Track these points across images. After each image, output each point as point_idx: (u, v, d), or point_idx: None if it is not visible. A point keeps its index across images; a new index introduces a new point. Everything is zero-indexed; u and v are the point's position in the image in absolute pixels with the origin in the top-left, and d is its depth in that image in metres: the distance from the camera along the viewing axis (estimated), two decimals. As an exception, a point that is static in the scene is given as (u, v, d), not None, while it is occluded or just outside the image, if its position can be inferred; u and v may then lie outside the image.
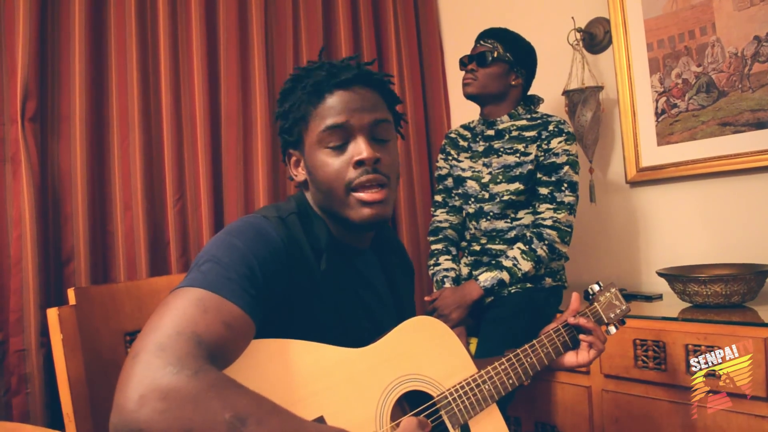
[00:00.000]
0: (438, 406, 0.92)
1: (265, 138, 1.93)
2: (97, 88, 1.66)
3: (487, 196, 1.73)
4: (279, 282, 0.81)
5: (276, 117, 0.97)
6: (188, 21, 1.82)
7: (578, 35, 2.03)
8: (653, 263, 1.91)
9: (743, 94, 1.70)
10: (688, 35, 1.80)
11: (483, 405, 0.97)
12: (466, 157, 1.82)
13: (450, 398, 0.93)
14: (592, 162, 2.00)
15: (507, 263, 1.62)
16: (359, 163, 0.87)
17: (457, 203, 1.85)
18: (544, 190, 1.65)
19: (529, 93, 1.80)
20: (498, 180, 1.71)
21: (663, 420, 1.42)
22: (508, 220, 1.72)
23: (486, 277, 1.61)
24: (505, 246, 1.71)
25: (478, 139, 1.81)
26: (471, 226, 1.81)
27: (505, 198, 1.69)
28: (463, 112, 2.33)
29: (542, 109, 1.83)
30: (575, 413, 1.59)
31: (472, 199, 1.77)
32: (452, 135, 1.91)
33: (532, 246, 1.61)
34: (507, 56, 1.71)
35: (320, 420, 0.77)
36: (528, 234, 1.64)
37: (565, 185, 1.63)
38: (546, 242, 1.61)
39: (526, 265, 1.60)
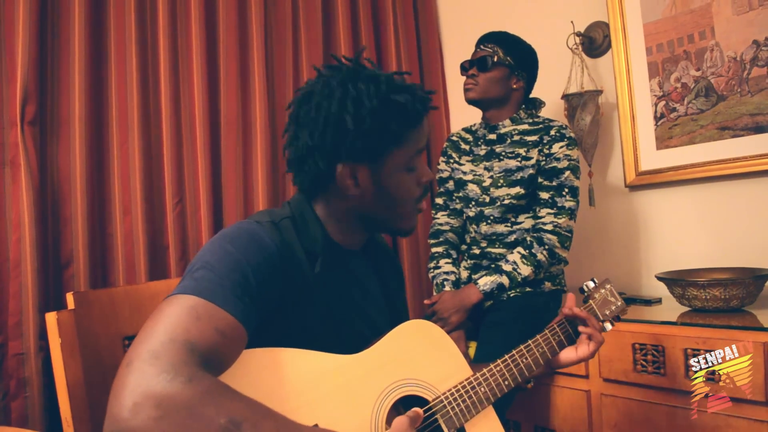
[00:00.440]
0: (434, 410, 0.92)
1: (264, 141, 1.93)
2: (97, 91, 1.67)
3: (487, 199, 1.73)
4: (273, 287, 0.81)
5: (347, 122, 0.86)
6: (188, 23, 1.83)
7: (577, 39, 2.03)
8: (652, 267, 1.90)
9: (742, 98, 1.70)
10: (687, 39, 1.81)
11: (479, 407, 0.97)
12: (467, 161, 1.82)
13: (445, 402, 0.94)
14: (591, 166, 2.00)
15: (507, 267, 1.61)
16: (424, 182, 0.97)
17: (458, 206, 1.85)
18: (544, 195, 1.65)
19: (531, 96, 1.80)
20: (499, 184, 1.71)
21: (662, 424, 1.41)
22: (509, 224, 1.72)
23: (485, 281, 1.61)
24: (505, 250, 1.71)
25: (480, 143, 1.81)
26: (471, 230, 1.81)
27: (506, 202, 1.69)
28: (463, 116, 2.34)
29: (541, 112, 1.83)
30: (574, 417, 1.59)
31: (473, 203, 1.77)
32: (454, 138, 1.91)
33: (532, 250, 1.61)
34: (507, 60, 1.71)
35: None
36: (528, 238, 1.64)
37: (566, 190, 1.64)
38: (546, 247, 1.61)
39: (525, 270, 1.60)
